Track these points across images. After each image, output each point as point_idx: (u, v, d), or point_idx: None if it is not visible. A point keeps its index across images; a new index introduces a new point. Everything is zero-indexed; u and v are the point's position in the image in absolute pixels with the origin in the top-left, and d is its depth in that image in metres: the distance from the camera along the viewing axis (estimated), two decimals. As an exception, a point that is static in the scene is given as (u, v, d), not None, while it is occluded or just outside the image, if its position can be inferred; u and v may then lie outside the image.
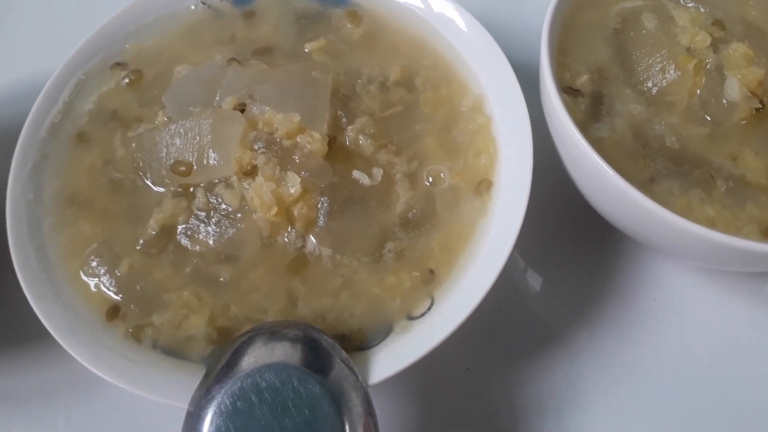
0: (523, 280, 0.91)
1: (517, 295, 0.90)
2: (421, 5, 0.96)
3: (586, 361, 0.85)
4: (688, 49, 0.81)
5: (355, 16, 0.95)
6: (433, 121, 0.88)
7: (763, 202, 0.74)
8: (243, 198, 0.78)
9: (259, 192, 0.75)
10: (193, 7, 0.95)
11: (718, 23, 0.83)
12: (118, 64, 0.92)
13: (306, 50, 0.93)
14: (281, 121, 0.79)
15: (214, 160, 0.78)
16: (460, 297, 0.77)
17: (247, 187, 0.78)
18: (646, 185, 0.76)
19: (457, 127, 0.88)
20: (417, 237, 0.82)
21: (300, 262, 0.79)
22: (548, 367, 0.85)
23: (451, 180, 0.85)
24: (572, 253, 0.92)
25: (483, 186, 0.83)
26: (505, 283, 0.83)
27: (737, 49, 0.78)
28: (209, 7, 0.95)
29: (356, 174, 0.82)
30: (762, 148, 0.77)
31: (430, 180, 0.84)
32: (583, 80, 0.81)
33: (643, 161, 0.77)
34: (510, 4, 1.08)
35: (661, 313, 0.90)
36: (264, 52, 0.93)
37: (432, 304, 0.77)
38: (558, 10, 0.84)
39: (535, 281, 0.92)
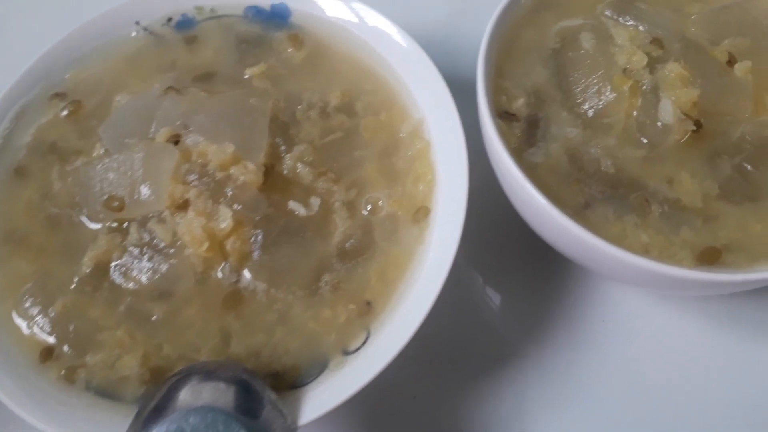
0: (470, 305, 0.91)
1: (464, 321, 0.89)
2: (362, 28, 0.96)
3: (535, 383, 0.85)
4: (624, 70, 0.79)
5: (297, 40, 0.94)
6: (373, 148, 0.88)
7: (698, 227, 0.73)
8: (176, 233, 0.75)
9: (190, 227, 0.74)
10: (134, 33, 0.95)
11: (657, 42, 0.82)
12: (57, 94, 0.92)
13: (246, 76, 0.89)
14: (215, 152, 0.79)
15: (146, 194, 0.77)
16: (396, 329, 0.76)
17: (179, 221, 0.75)
18: (580, 211, 0.75)
19: (396, 153, 0.87)
20: (354, 268, 0.81)
21: (234, 298, 0.78)
22: (497, 391, 0.85)
23: (389, 208, 0.84)
24: (520, 276, 0.92)
25: (421, 213, 0.82)
26: (452, 309, 0.86)
27: (672, 70, 0.77)
28: (150, 33, 0.95)
29: (292, 204, 0.81)
30: (698, 169, 0.76)
31: (369, 208, 0.83)
32: (519, 104, 0.81)
33: (578, 186, 0.76)
34: (451, 23, 1.07)
35: (610, 334, 0.89)
36: (205, 78, 0.92)
37: (368, 337, 0.76)
38: (497, 29, 0.83)
39: (482, 306, 0.91)
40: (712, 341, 0.88)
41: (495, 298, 0.91)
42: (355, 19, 0.96)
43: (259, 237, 0.79)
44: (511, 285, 0.91)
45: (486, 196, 0.82)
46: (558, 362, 0.86)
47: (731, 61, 0.81)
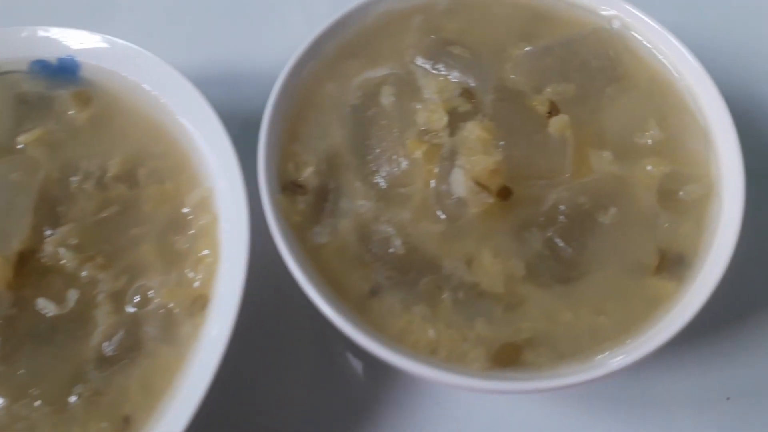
0: (259, 404, 0.77)
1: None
2: (155, 83, 0.85)
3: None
4: (422, 131, 0.65)
5: (82, 98, 0.82)
6: (153, 223, 0.77)
7: (497, 317, 0.61)
8: None
9: None
10: None
11: (467, 93, 0.69)
12: None
13: (20, 145, 0.77)
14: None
15: None
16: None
17: None
18: (364, 302, 0.65)
19: (180, 230, 0.76)
20: (113, 376, 0.70)
21: (-31, 416, 0.63)
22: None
23: (161, 299, 0.72)
24: (319, 371, 0.79)
25: (198, 304, 0.72)
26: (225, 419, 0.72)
27: (472, 131, 0.64)
28: None
29: (41, 302, 0.70)
30: (503, 246, 0.64)
31: (137, 300, 0.71)
32: (308, 173, 0.67)
33: (364, 271, 0.63)
34: (253, 75, 0.92)
35: (444, 418, 0.76)
36: (-27, 148, 0.76)
37: (120, 461, 0.61)
38: (289, 83, 0.71)
39: (278, 406, 0.78)
40: (551, 419, 0.76)
41: (284, 401, 0.77)
42: (148, 74, 0.85)
43: (-5, 345, 0.63)
44: (307, 385, 0.78)
45: (279, 278, 0.70)
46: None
47: (552, 112, 0.68)
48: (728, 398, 0.74)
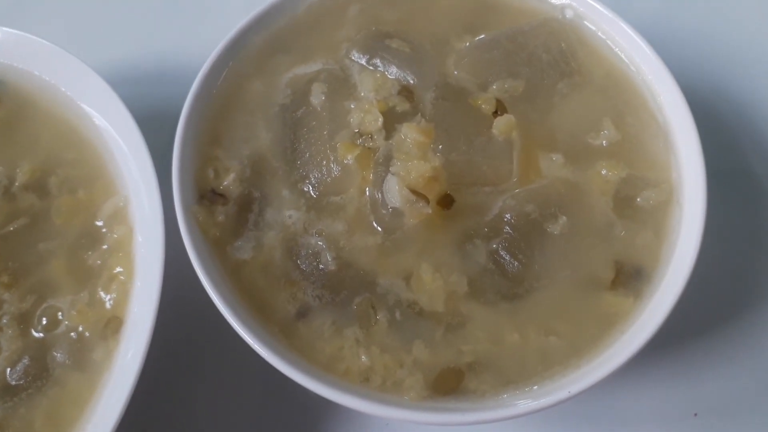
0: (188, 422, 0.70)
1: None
2: (69, 83, 0.78)
3: None
4: (356, 134, 0.58)
5: (-8, 99, 0.70)
6: (64, 237, 0.70)
7: (437, 339, 0.55)
8: None
9: None
10: None
11: (406, 91, 0.61)
12: None
13: None
14: None
15: None
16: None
17: None
18: (290, 324, 0.60)
19: (92, 244, 0.70)
20: (16, 407, 0.64)
21: None
22: None
23: (71, 321, 0.66)
24: (261, 394, 0.72)
25: (111, 326, 0.66)
26: None
27: (408, 134, 0.56)
28: None
29: (-67, 330, 0.57)
30: (444, 260, 0.57)
31: (45, 322, 0.65)
32: (230, 180, 0.59)
33: (291, 290, 0.56)
34: (175, 75, 0.84)
35: None
36: None
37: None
38: (209, 81, 0.62)
39: (206, 421, 0.70)
40: None
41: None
42: (65, 74, 0.78)
43: None
44: (230, 414, 0.71)
45: (197, 298, 0.62)
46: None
47: (499, 112, 0.61)
48: (695, 414, 0.69)
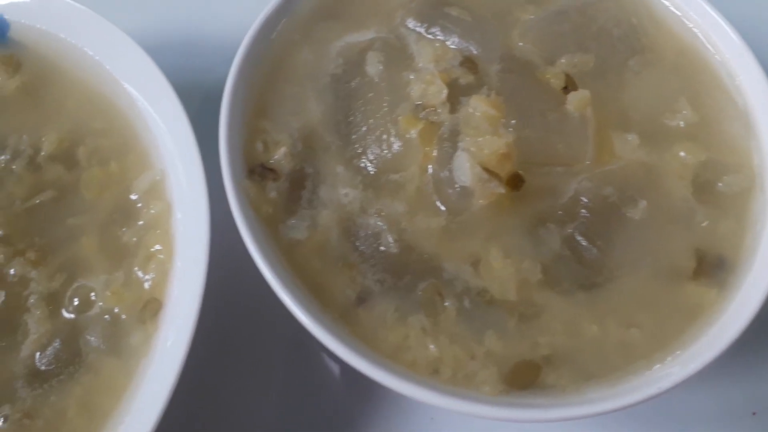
0: (224, 426, 0.65)
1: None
2: (97, 47, 0.72)
3: None
4: (418, 107, 0.52)
5: (11, 63, 0.70)
6: (95, 212, 0.65)
7: (510, 330, 0.50)
8: None
9: None
10: None
11: (469, 62, 0.57)
12: None
13: None
14: None
15: None
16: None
17: None
18: (350, 310, 0.56)
19: (126, 219, 0.65)
20: (47, 395, 0.59)
21: None
22: None
23: (105, 302, 0.61)
24: (298, 380, 0.67)
25: (149, 309, 0.61)
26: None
27: (477, 107, 0.51)
28: None
29: (-43, 306, 0.53)
30: (515, 245, 0.53)
31: (76, 303, 0.61)
32: (280, 154, 0.54)
33: (350, 274, 0.51)
34: (212, 41, 0.77)
35: None
36: None
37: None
38: (255, 48, 0.57)
39: (256, 414, 0.66)
40: None
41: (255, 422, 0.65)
42: (92, 37, 0.72)
43: None
44: (293, 391, 0.66)
45: (246, 280, 0.59)
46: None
47: (569, 87, 0.56)
48: (754, 413, 0.66)
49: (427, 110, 0.58)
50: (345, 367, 0.56)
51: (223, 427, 0.63)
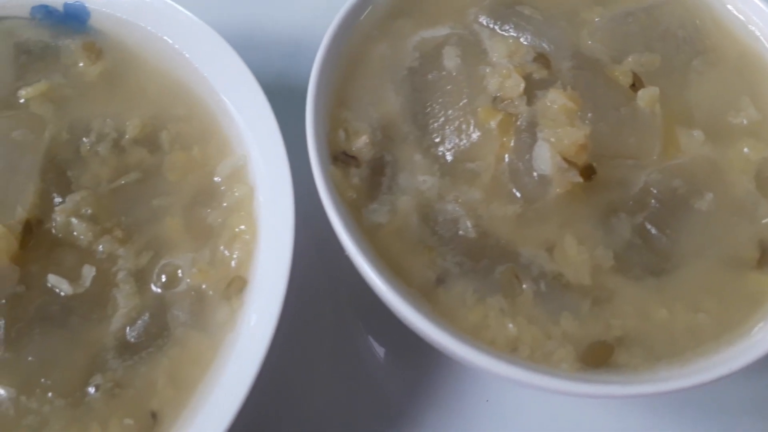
0: (310, 395, 0.69)
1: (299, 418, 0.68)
2: (177, 36, 0.75)
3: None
4: (495, 99, 0.56)
5: (94, 50, 0.72)
6: (178, 194, 0.67)
7: (584, 312, 0.53)
8: None
9: None
10: None
11: (542, 59, 0.61)
12: None
13: (21, 100, 0.69)
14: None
15: None
16: (190, 449, 0.53)
17: None
18: (431, 290, 0.58)
19: (209, 201, 0.67)
20: (137, 366, 0.61)
21: (-30, 408, 0.54)
22: None
23: (192, 280, 0.64)
24: (373, 358, 0.71)
25: (234, 286, 0.63)
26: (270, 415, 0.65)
27: (555, 100, 0.55)
28: None
29: (53, 280, 0.61)
30: (588, 233, 0.56)
31: (163, 280, 0.63)
32: (361, 143, 0.58)
33: (429, 256, 0.56)
34: (289, 33, 0.81)
35: (494, 415, 0.70)
36: (-34, 102, 0.67)
37: (148, 463, 0.53)
38: (336, 42, 0.61)
39: (329, 395, 0.70)
40: (596, 419, 0.69)
41: (346, 384, 0.70)
42: (171, 25, 0.75)
43: (0, 328, 0.58)
44: (371, 368, 0.71)
45: (328, 259, 0.64)
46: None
47: (636, 85, 0.60)
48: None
49: (504, 102, 0.60)
50: (408, 352, 0.58)
51: (297, 395, 0.68)
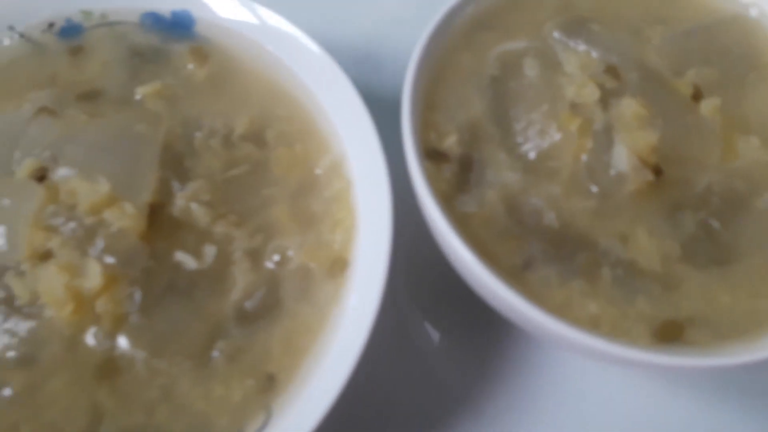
0: (396, 369, 0.78)
1: (391, 386, 0.77)
2: (278, 44, 0.83)
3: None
4: (573, 105, 0.65)
5: (200, 54, 0.79)
6: (284, 185, 0.75)
7: (656, 295, 0.60)
8: (35, 290, 0.64)
9: (50, 285, 0.62)
10: (7, 41, 0.77)
11: (612, 71, 0.69)
12: None
13: (137, 97, 0.75)
14: (86, 191, 0.66)
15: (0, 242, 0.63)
16: (303, 408, 0.64)
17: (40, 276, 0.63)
18: (518, 273, 0.65)
19: (312, 192, 0.75)
20: (254, 333, 0.68)
21: (108, 368, 0.65)
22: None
23: (300, 260, 0.71)
24: (458, 337, 0.80)
25: (338, 267, 0.70)
26: (376, 381, 0.74)
27: (629, 107, 0.64)
28: (27, 40, 0.78)
29: (180, 256, 0.68)
30: (657, 226, 0.63)
31: (276, 259, 0.70)
32: (450, 142, 0.67)
33: (516, 243, 0.63)
34: (380, 43, 0.91)
35: (560, 395, 0.78)
36: (89, 97, 0.78)
37: (268, 418, 0.65)
38: (427, 52, 0.68)
39: (412, 371, 0.78)
40: (664, 403, 0.78)
41: (427, 362, 0.79)
42: (270, 34, 0.82)
43: (137, 296, 0.66)
44: (450, 351, 0.80)
45: (419, 245, 0.72)
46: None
47: (697, 96, 0.69)
48: None
49: (582, 108, 0.69)
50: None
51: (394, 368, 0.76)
